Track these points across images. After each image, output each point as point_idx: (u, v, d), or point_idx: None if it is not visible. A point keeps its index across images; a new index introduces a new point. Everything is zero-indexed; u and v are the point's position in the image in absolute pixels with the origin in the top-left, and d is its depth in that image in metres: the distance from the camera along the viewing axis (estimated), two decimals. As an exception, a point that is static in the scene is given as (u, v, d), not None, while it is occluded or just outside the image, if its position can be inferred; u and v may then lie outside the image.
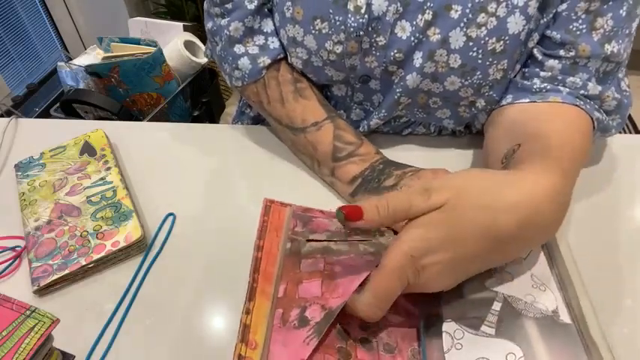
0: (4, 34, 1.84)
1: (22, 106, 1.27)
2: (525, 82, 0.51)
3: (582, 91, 0.49)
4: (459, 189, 0.36)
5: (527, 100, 0.50)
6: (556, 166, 0.38)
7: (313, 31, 0.52)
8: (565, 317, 0.36)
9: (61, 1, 1.98)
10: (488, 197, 0.35)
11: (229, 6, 0.55)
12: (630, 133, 0.97)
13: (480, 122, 0.58)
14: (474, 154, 0.60)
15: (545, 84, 0.50)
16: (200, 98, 1.34)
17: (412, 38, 0.49)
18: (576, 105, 0.48)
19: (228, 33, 0.56)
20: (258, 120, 0.72)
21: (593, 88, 0.49)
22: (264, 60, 0.56)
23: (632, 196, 0.54)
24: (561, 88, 0.49)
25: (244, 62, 0.57)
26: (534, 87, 0.50)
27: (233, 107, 1.71)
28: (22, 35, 1.94)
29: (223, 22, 0.56)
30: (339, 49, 0.52)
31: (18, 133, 0.68)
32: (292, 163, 0.60)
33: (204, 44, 0.80)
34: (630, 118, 1.02)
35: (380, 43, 0.51)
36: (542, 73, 0.50)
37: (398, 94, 0.54)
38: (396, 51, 0.51)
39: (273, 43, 0.57)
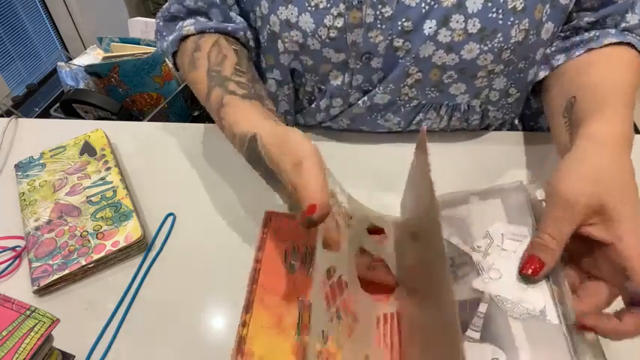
0: (4, 34, 1.84)
1: (22, 106, 1.27)
2: (569, 39, 0.53)
3: (623, 24, 0.50)
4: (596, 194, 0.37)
5: (582, 52, 0.51)
6: (617, 118, 0.42)
7: (309, 8, 0.49)
8: (553, 317, 0.36)
9: (61, 1, 1.99)
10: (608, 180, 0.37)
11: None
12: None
13: (495, 90, 0.56)
14: (479, 152, 0.60)
15: (593, 31, 0.51)
16: (200, 98, 1.33)
17: (423, 4, 0.47)
18: (627, 43, 0.49)
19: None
20: None
21: (632, 17, 0.50)
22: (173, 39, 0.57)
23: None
24: (610, 31, 0.51)
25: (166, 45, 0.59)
26: (584, 37, 0.52)
27: (233, 107, 1.70)
28: (22, 35, 1.94)
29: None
30: (339, 22, 0.49)
31: (18, 133, 0.68)
32: (292, 163, 0.60)
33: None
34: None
35: (386, 15, 0.48)
36: (584, 19, 0.52)
37: (407, 66, 0.51)
38: (404, 19, 0.48)
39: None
